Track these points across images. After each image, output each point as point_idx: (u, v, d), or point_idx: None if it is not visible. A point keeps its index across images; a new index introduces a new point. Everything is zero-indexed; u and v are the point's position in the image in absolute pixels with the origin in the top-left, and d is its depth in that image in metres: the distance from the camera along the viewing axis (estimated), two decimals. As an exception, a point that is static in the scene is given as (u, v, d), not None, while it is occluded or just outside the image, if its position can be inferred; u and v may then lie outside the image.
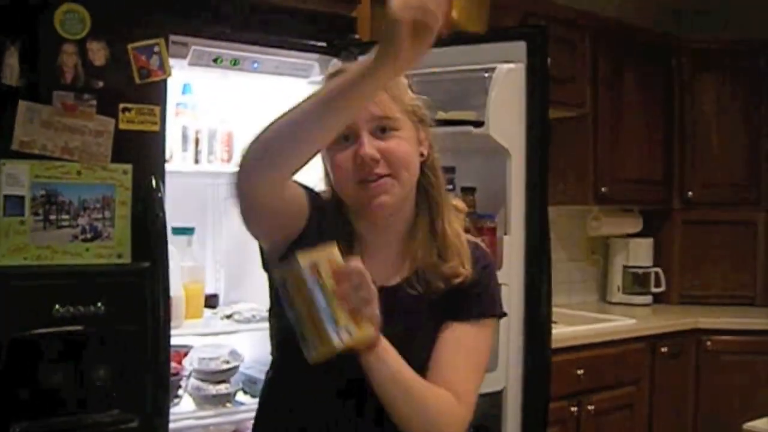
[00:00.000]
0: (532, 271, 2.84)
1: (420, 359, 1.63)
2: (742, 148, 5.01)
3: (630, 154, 4.75)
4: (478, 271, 1.71)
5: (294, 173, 1.49)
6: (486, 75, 2.80)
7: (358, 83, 1.37)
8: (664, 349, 4.35)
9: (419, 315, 1.67)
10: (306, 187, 1.64)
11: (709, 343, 4.52)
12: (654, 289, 5.05)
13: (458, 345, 1.67)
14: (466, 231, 1.77)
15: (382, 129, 1.60)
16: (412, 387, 1.57)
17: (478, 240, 1.82)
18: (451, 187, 2.98)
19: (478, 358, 1.70)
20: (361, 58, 1.50)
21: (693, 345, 4.53)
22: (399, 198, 1.62)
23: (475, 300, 1.71)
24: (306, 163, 1.47)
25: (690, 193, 5.01)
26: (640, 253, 5.07)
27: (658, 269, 5.06)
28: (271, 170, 1.45)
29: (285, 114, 1.43)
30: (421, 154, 1.68)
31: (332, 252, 1.46)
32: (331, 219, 1.66)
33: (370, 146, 1.58)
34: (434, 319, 1.68)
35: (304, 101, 1.43)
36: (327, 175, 1.71)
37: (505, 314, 1.80)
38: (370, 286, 1.45)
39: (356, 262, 1.46)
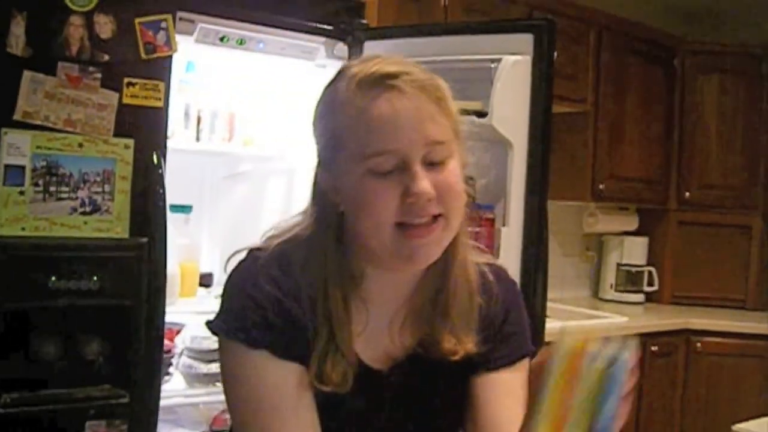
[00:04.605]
0: (528, 264, 2.84)
1: (441, 426, 1.43)
2: (740, 151, 5.01)
3: (629, 152, 4.75)
4: (500, 303, 1.44)
5: None
6: (492, 66, 2.80)
7: None
8: (654, 348, 4.36)
9: (438, 381, 1.39)
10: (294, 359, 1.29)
11: (699, 344, 4.53)
12: (647, 288, 5.06)
13: (509, 395, 1.40)
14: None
15: (433, 159, 1.24)
16: None
17: (490, 258, 1.48)
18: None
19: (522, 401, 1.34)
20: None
21: (683, 345, 4.54)
22: (444, 246, 1.29)
23: (513, 341, 1.45)
24: None
25: (687, 194, 5.02)
26: (635, 251, 5.09)
27: (652, 268, 5.07)
28: None
29: None
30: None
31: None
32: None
33: (426, 181, 1.22)
34: (456, 378, 1.41)
35: None
36: (321, 205, 1.34)
37: (535, 351, 1.49)
38: None
39: None
